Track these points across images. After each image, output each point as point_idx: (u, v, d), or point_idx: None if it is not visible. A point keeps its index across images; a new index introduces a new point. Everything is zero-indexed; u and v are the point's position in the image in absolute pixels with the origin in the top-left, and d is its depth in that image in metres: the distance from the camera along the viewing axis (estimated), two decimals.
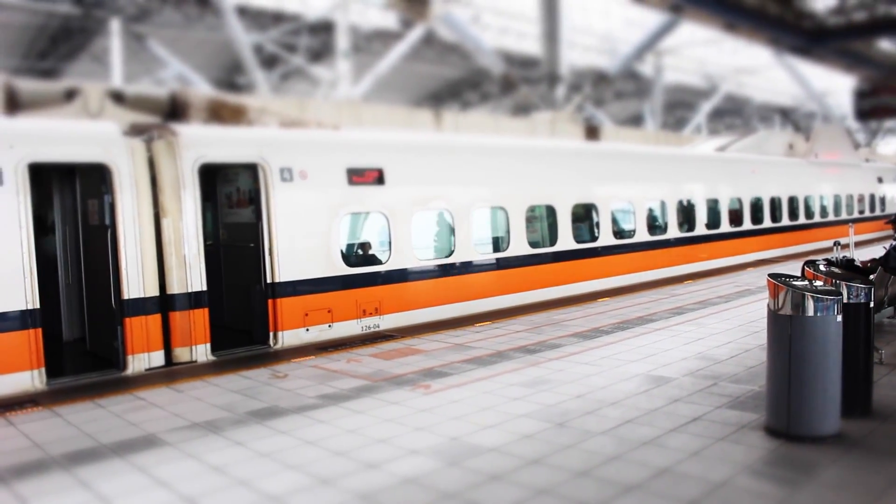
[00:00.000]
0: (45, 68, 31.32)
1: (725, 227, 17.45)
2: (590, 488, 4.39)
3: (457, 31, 29.33)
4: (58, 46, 31.16)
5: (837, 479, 4.43)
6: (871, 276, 7.61)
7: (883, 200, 27.65)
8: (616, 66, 34.09)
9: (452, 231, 11.32)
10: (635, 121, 45.76)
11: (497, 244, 12.18)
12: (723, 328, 9.28)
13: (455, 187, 11.58)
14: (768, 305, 5.33)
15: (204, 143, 9.12)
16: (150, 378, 7.86)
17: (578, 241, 13.36)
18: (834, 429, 5.12)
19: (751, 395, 6.22)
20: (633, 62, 34.63)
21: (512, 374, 7.23)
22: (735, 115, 53.71)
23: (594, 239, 13.77)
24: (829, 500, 4.15)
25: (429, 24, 28.79)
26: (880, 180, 27.37)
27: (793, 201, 20.49)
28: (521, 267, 12.26)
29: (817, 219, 21.96)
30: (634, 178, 15.33)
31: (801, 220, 20.96)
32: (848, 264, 7.93)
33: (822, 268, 6.65)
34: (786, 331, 5.10)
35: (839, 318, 5.08)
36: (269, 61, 32.01)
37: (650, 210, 15.37)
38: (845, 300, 5.44)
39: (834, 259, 8.00)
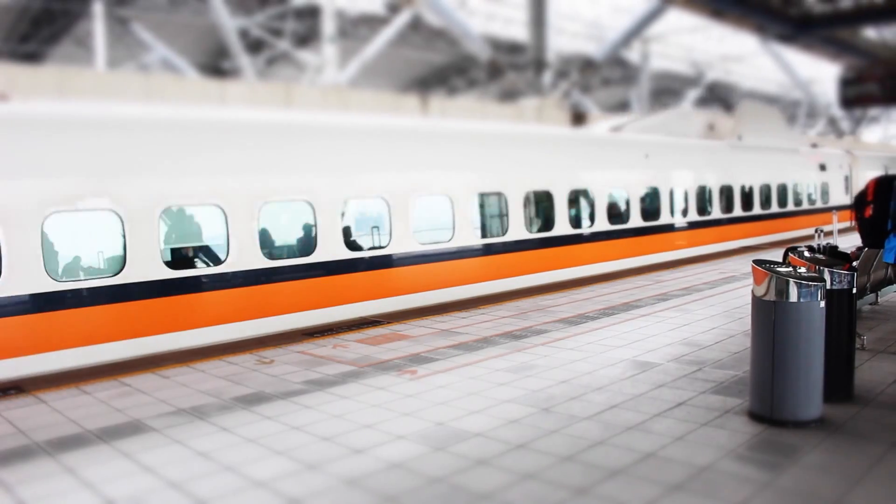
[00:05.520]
0: (27, 52, 30.92)
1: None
2: (575, 473, 4.41)
3: (444, 16, 29.23)
4: (40, 29, 30.75)
5: (819, 463, 4.48)
6: (854, 263, 7.68)
7: (826, 191, 23.81)
8: (603, 52, 34.11)
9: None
10: (622, 107, 45.83)
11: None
12: (707, 314, 9.34)
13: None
14: (752, 291, 5.36)
15: None
16: (136, 364, 7.83)
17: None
18: (816, 413, 5.17)
19: (735, 380, 6.27)
20: (619, 49, 34.66)
21: (498, 360, 7.25)
22: (721, 102, 53.90)
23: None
24: (811, 483, 4.20)
25: (416, 9, 28.68)
26: (823, 168, 23.98)
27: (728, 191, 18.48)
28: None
29: (724, 214, 18.68)
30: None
31: (716, 214, 18.27)
32: (832, 251, 7.98)
33: (805, 254, 6.70)
34: (770, 317, 5.13)
35: (822, 304, 5.12)
36: (254, 46, 31.79)
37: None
38: (828, 286, 5.49)
39: (817, 246, 8.05)
